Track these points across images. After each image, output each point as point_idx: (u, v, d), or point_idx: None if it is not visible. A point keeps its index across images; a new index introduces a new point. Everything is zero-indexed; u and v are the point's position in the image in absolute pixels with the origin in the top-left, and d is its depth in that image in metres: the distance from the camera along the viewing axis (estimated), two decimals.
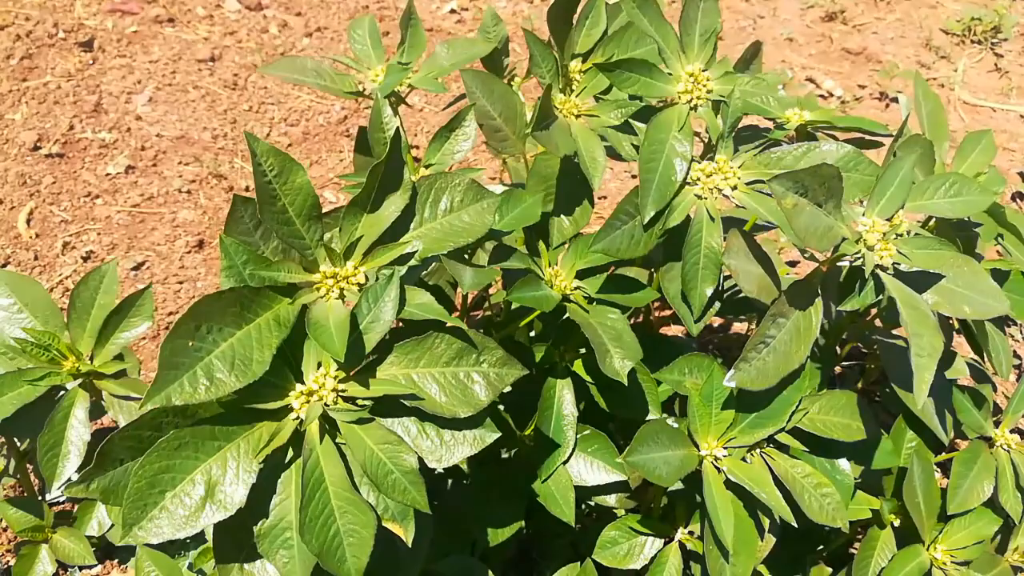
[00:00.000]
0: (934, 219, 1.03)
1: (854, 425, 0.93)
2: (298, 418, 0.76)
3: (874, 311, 1.18)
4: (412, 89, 1.24)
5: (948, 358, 1.02)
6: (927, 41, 3.24)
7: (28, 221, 2.04)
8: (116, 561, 1.48)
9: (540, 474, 1.03)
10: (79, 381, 1.11)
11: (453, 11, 3.07)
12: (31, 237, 2.01)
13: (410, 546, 0.78)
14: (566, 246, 1.04)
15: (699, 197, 0.96)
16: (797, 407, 0.89)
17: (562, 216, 1.10)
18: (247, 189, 2.22)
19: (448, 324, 0.78)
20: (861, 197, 0.96)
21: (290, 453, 0.78)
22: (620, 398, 1.00)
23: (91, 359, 1.12)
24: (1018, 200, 2.60)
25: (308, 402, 0.77)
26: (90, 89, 2.42)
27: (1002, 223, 1.00)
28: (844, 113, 2.85)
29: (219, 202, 2.17)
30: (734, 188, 0.95)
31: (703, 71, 0.98)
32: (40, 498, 1.40)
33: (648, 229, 0.94)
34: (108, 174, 2.19)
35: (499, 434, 0.77)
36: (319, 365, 0.79)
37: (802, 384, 0.89)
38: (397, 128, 0.86)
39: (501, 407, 1.11)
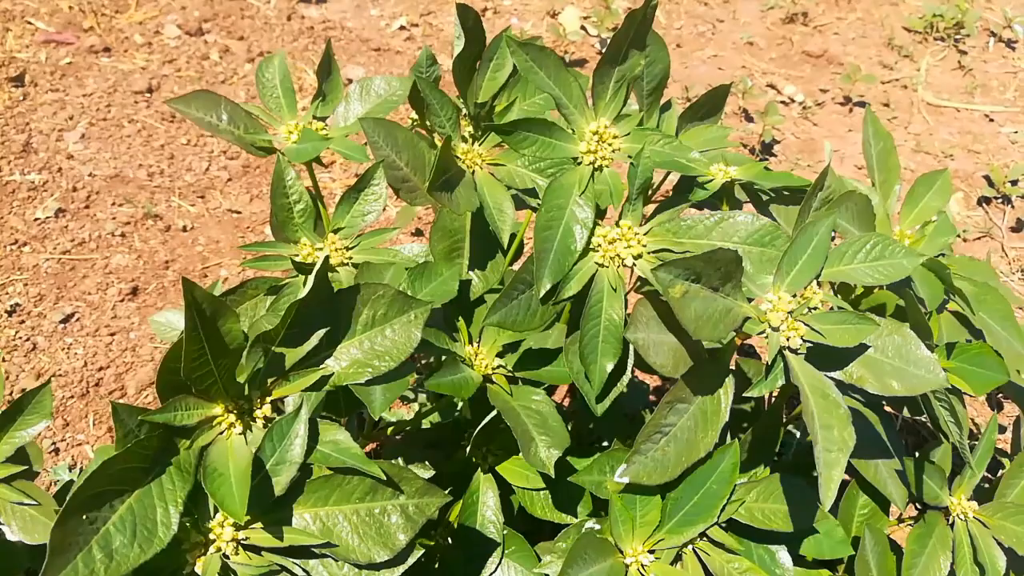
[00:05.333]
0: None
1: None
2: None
3: None
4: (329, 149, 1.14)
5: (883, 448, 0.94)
6: (889, 40, 3.18)
7: None
8: None
9: None
10: None
11: (403, 27, 2.98)
12: None
13: None
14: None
15: (600, 265, 0.88)
16: (730, 498, 0.81)
17: (473, 273, 1.02)
18: (184, 229, 2.13)
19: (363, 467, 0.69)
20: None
21: None
22: (545, 499, 0.93)
23: None
24: (984, 205, 2.53)
25: (205, 553, 0.69)
26: (19, 128, 2.31)
27: (948, 285, 0.92)
28: (806, 120, 2.78)
29: (155, 244, 2.08)
30: (638, 257, 0.87)
31: (608, 128, 0.88)
32: None
33: (545, 302, 0.87)
34: (37, 219, 2.09)
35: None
36: (217, 509, 0.70)
37: (732, 475, 0.81)
38: (325, 258, 0.75)
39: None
